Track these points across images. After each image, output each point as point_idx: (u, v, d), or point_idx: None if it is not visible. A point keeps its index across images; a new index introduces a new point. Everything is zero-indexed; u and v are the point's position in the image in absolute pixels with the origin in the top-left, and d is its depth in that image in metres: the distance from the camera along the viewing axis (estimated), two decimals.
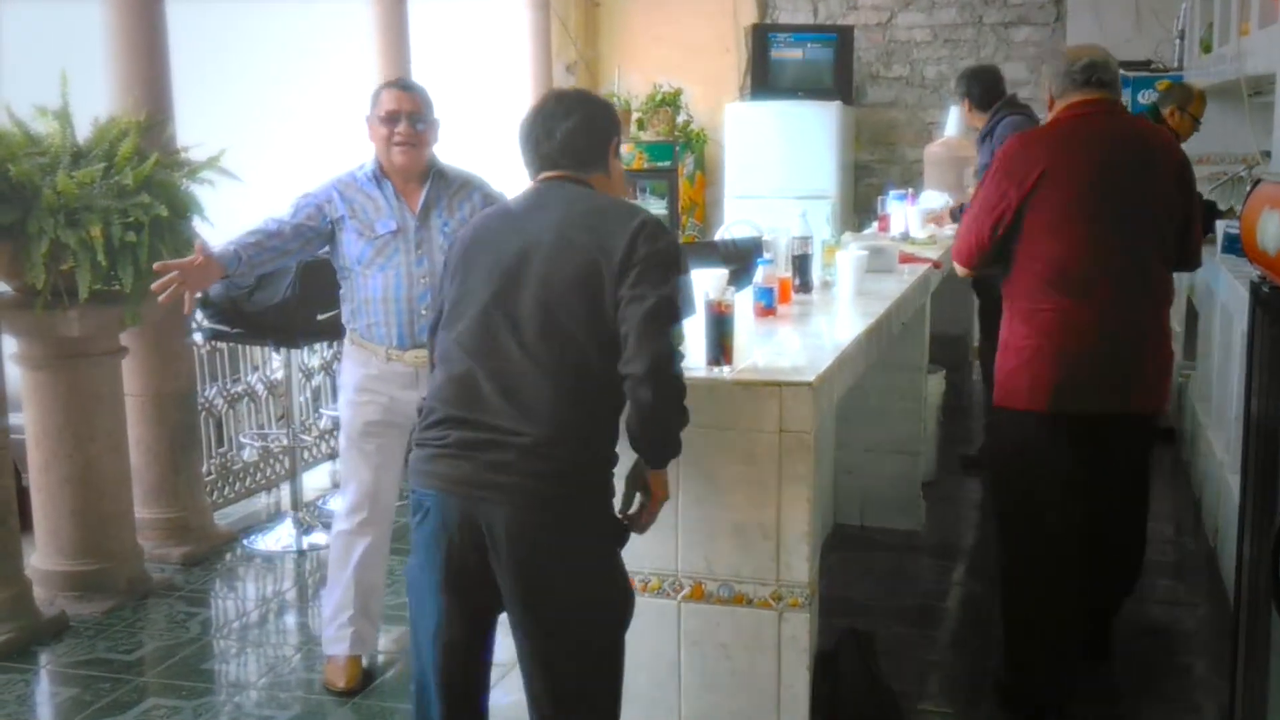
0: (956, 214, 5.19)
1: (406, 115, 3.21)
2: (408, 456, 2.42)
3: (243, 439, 5.24)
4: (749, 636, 2.64)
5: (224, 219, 4.19)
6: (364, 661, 3.48)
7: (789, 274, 3.66)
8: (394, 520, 3.48)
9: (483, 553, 2.22)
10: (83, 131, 3.95)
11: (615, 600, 2.35)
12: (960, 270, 3.31)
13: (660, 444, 2.29)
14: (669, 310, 2.19)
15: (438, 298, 2.44)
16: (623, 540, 2.37)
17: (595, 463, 2.27)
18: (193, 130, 4.35)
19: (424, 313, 3.14)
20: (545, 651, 2.27)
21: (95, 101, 4.11)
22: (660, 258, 2.21)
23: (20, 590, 3.78)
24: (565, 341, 2.21)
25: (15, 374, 3.98)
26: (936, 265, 4.43)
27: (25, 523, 3.91)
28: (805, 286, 3.72)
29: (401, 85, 3.33)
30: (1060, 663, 3.14)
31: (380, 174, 3.28)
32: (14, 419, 3.84)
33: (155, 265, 3.09)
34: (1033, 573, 3.14)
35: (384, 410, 3.31)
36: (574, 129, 2.32)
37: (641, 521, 2.39)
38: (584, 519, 2.26)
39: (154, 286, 2.97)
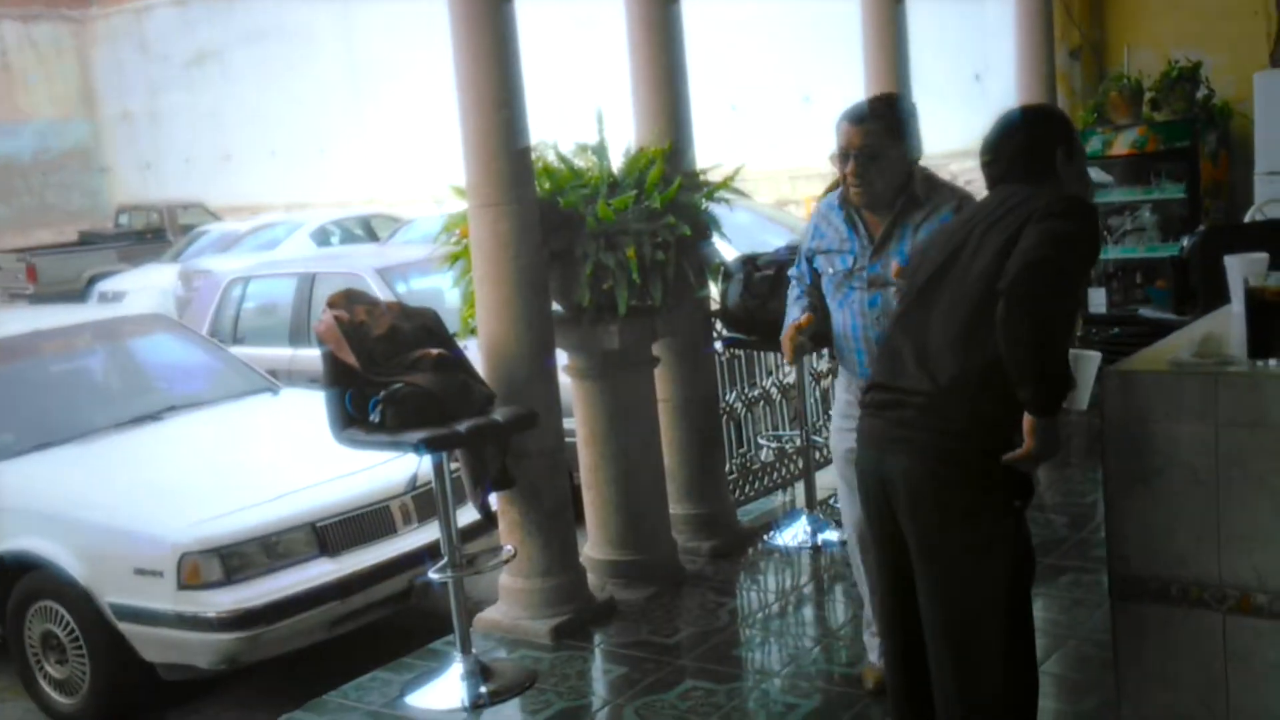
0: None
1: (856, 152, 3.00)
2: None
3: (760, 440, 5.55)
4: None
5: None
6: None
7: None
8: None
9: (889, 499, 2.50)
10: (612, 161, 4.39)
11: (1008, 556, 2.43)
12: None
13: (1026, 374, 2.28)
14: (1051, 242, 2.28)
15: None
16: (1025, 497, 2.43)
17: (994, 420, 2.37)
18: (707, 151, 4.69)
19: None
20: (935, 599, 2.46)
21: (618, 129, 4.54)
22: (1058, 220, 2.32)
23: (576, 576, 4.27)
24: (973, 311, 2.38)
25: (566, 385, 4.51)
26: None
27: (577, 516, 4.40)
28: None
29: (853, 117, 3.04)
30: None
31: (845, 198, 3.15)
32: (565, 424, 4.36)
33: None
34: None
35: None
36: (1016, 152, 2.55)
37: (1006, 461, 2.39)
38: (977, 472, 2.39)
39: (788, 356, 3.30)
